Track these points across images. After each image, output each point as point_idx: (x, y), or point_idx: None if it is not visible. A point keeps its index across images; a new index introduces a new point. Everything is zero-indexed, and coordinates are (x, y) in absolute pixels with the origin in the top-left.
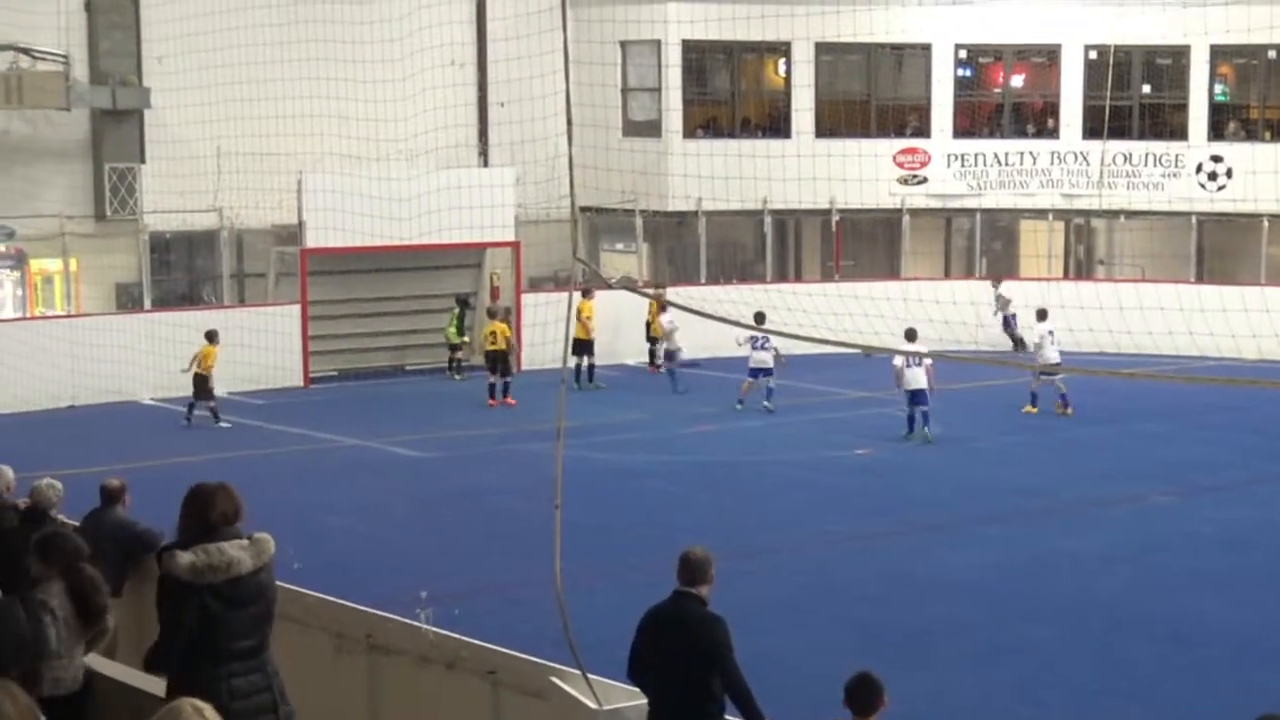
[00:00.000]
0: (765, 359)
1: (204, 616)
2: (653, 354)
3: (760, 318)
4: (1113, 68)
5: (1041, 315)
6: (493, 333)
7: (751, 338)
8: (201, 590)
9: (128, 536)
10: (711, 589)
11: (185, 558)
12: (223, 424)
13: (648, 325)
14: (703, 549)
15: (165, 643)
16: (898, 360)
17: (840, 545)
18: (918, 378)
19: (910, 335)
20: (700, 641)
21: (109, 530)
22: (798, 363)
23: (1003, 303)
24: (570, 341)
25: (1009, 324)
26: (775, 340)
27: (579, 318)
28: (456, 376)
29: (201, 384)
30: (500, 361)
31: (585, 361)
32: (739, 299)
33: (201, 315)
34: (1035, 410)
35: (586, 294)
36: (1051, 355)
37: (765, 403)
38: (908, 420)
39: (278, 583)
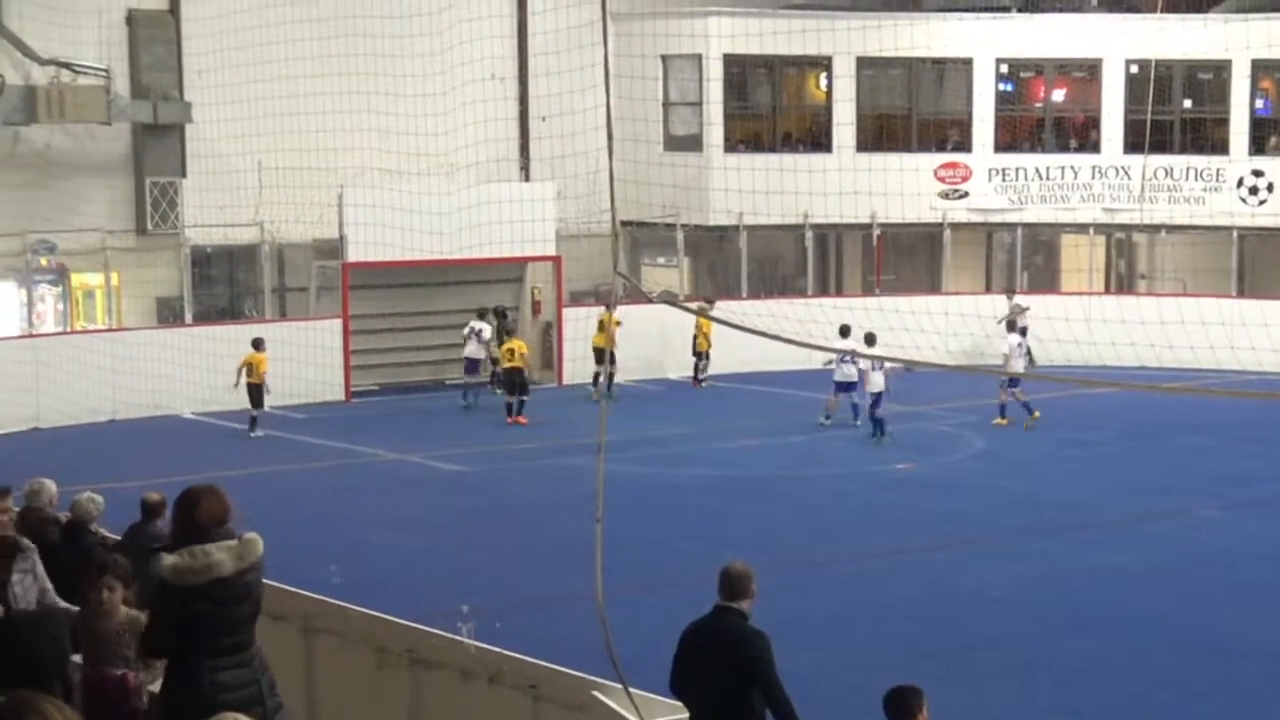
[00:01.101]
0: (850, 373)
1: (187, 615)
2: (697, 368)
3: (870, 339)
4: (1154, 82)
5: (1010, 326)
6: (510, 350)
7: (840, 355)
8: (184, 591)
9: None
10: (753, 603)
11: (169, 560)
12: (255, 434)
13: (694, 339)
14: (743, 564)
15: (150, 635)
16: (863, 364)
17: (882, 560)
18: (878, 381)
19: (870, 339)
20: (742, 656)
21: (149, 544)
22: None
23: (1016, 311)
24: (609, 354)
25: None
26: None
27: (601, 327)
28: (497, 390)
29: (256, 392)
30: (517, 379)
31: (607, 370)
32: (779, 313)
33: (242, 329)
34: (1005, 422)
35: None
36: (1016, 366)
37: (855, 421)
38: (873, 422)
39: (318, 596)
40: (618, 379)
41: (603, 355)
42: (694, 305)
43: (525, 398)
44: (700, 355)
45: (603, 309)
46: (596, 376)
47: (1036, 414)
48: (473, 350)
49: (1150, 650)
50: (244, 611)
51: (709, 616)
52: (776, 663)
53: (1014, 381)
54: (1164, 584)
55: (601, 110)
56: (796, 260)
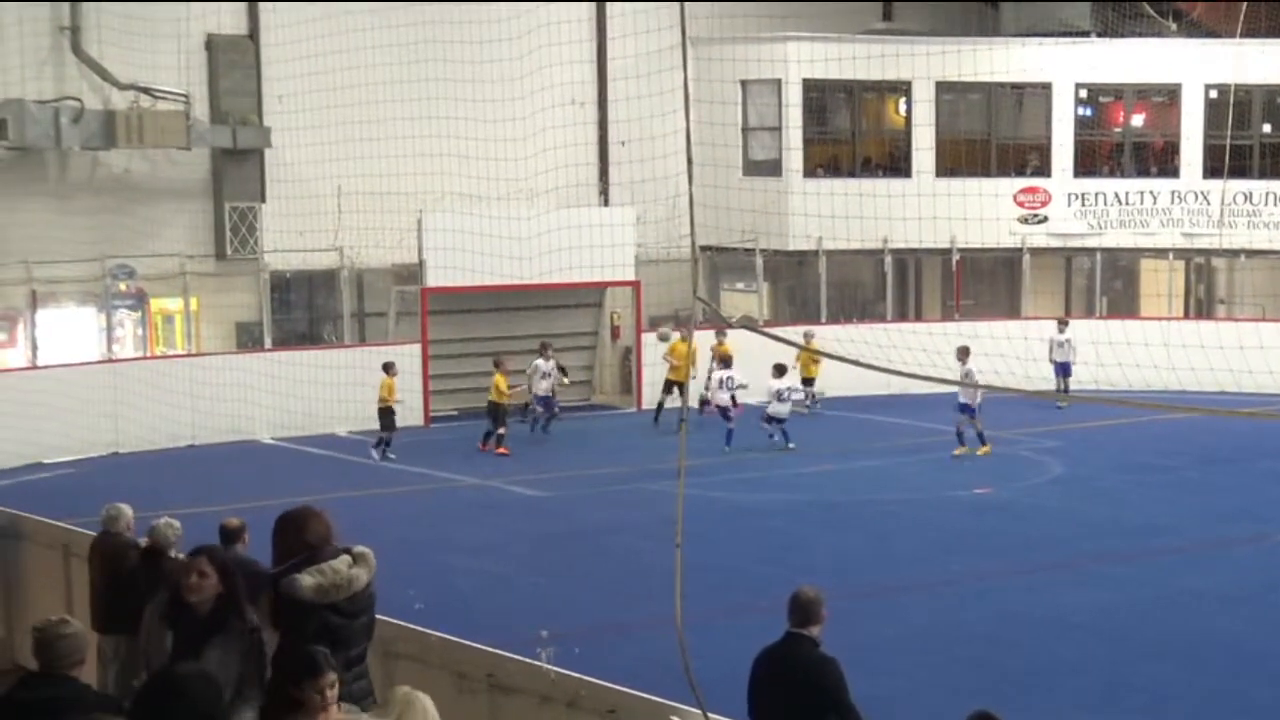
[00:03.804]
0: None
1: (326, 632)
2: (809, 395)
3: (780, 370)
4: (1233, 107)
5: (963, 353)
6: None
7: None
8: (323, 609)
9: (249, 576)
10: (822, 629)
11: (308, 580)
12: (386, 458)
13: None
14: (814, 589)
15: (286, 658)
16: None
17: (960, 585)
18: (781, 410)
19: (779, 371)
20: (816, 684)
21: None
22: (921, 402)
23: (1059, 344)
24: (684, 380)
25: (1064, 368)
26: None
27: (671, 357)
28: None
29: (386, 416)
30: (499, 411)
31: (677, 401)
32: (859, 338)
33: (322, 354)
34: (965, 450)
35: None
36: (963, 396)
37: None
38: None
39: (397, 621)
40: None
41: (675, 386)
42: (799, 337)
43: (503, 431)
44: (809, 381)
45: (675, 337)
46: (660, 408)
47: (988, 447)
48: (545, 387)
49: (1232, 677)
50: (368, 620)
51: (780, 644)
52: (850, 688)
53: (968, 409)
54: (1245, 609)
55: (681, 135)
56: (876, 285)
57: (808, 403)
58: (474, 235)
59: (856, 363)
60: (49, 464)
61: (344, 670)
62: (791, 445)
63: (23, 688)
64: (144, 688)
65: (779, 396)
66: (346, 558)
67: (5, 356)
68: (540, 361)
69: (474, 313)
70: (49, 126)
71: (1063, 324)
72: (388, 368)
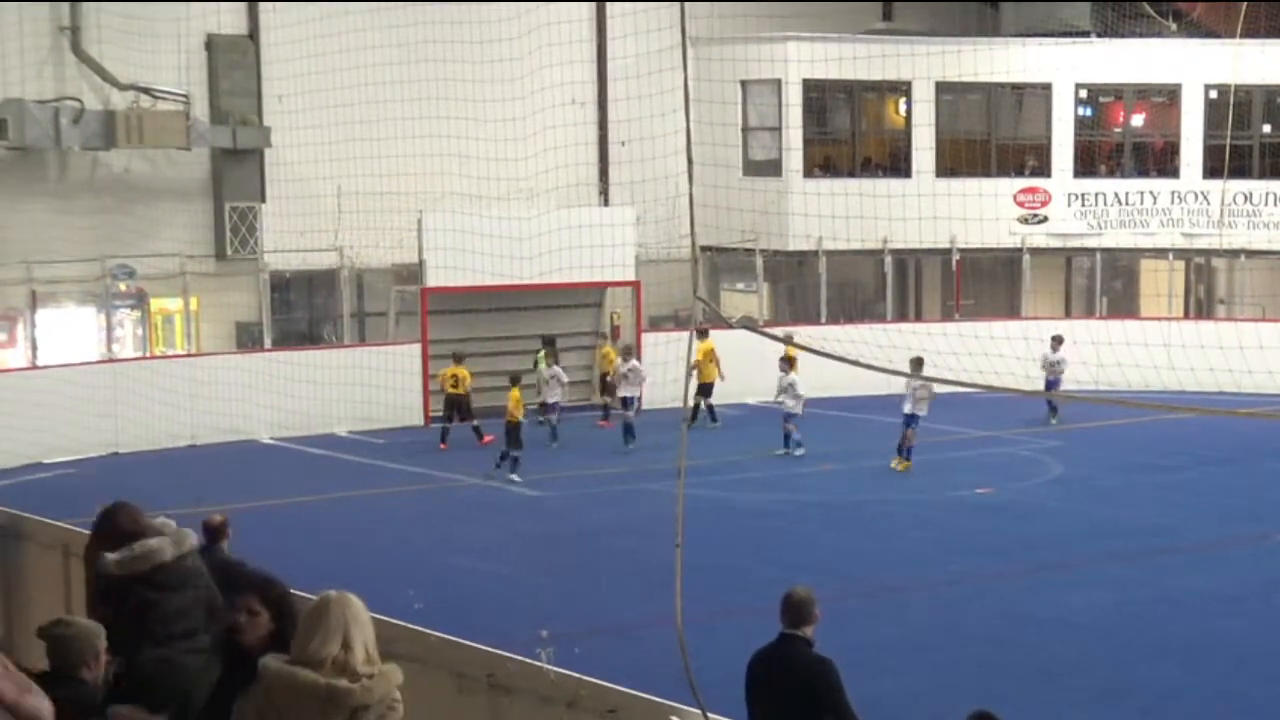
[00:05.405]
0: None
1: (143, 606)
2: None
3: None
4: (1233, 107)
5: (917, 365)
6: (454, 375)
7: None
8: (136, 585)
9: (233, 576)
10: (815, 628)
11: (112, 556)
12: (509, 479)
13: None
14: (805, 588)
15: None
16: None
17: (961, 585)
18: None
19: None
20: (813, 686)
21: (214, 568)
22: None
23: (1049, 363)
24: (692, 381)
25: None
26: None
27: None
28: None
29: (455, 404)
30: (460, 406)
31: (702, 402)
32: (859, 338)
33: (322, 354)
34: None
35: (702, 335)
36: (904, 406)
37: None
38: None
39: (396, 621)
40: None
41: (699, 386)
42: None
43: (475, 423)
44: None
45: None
46: (697, 407)
47: (910, 463)
48: (558, 394)
49: (1232, 677)
50: (190, 596)
51: (774, 645)
52: (846, 688)
53: (911, 420)
54: (1246, 610)
55: (681, 135)
56: (876, 285)
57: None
58: (474, 235)
59: (854, 361)
60: (49, 464)
61: (168, 644)
62: (801, 451)
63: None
64: (116, 678)
65: (790, 392)
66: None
67: (5, 356)
68: (559, 369)
69: (474, 313)
70: (49, 126)
71: (1058, 341)
72: (457, 357)
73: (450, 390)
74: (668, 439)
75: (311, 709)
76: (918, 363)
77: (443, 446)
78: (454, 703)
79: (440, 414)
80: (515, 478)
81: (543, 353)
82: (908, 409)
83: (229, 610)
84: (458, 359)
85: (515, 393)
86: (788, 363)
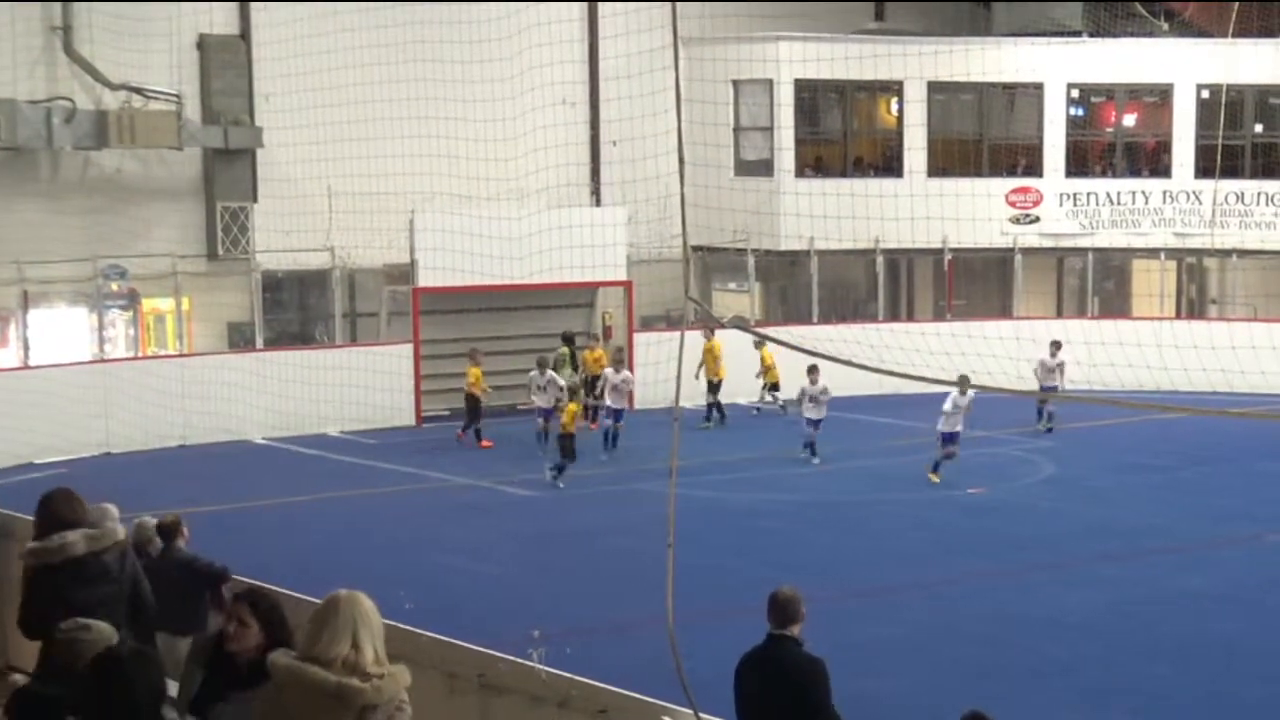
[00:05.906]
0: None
1: (60, 598)
2: (778, 399)
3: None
4: (1225, 107)
5: (812, 370)
6: (473, 374)
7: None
8: (56, 576)
9: (193, 571)
10: (802, 626)
11: (30, 545)
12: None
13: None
14: (790, 588)
15: (25, 615)
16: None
17: (954, 585)
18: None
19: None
20: (803, 685)
21: (173, 566)
22: (913, 402)
23: (1050, 368)
24: (700, 380)
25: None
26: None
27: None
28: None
29: (566, 442)
30: (477, 405)
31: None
32: (851, 338)
33: (313, 354)
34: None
35: (710, 334)
36: (808, 412)
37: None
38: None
39: (388, 621)
40: (687, 404)
41: (709, 384)
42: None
43: (479, 425)
44: (773, 387)
45: (705, 337)
46: (711, 408)
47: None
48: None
49: (1224, 677)
50: (110, 591)
51: (763, 646)
52: (832, 689)
53: (950, 438)
54: (1238, 610)
55: (672, 135)
56: (867, 285)
57: (780, 404)
58: (465, 235)
59: (850, 361)
60: (40, 464)
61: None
62: (816, 460)
63: (38, 683)
64: (88, 671)
65: (812, 398)
66: (83, 530)
67: None
68: (554, 375)
69: (466, 313)
70: (41, 126)
71: (1056, 346)
72: (473, 355)
73: (471, 389)
74: (660, 439)
75: (320, 706)
76: (964, 380)
77: (486, 444)
78: (445, 703)
79: (463, 416)
80: (560, 484)
81: (565, 352)
82: (947, 426)
83: (222, 615)
84: (474, 358)
85: (573, 407)
86: (812, 371)
